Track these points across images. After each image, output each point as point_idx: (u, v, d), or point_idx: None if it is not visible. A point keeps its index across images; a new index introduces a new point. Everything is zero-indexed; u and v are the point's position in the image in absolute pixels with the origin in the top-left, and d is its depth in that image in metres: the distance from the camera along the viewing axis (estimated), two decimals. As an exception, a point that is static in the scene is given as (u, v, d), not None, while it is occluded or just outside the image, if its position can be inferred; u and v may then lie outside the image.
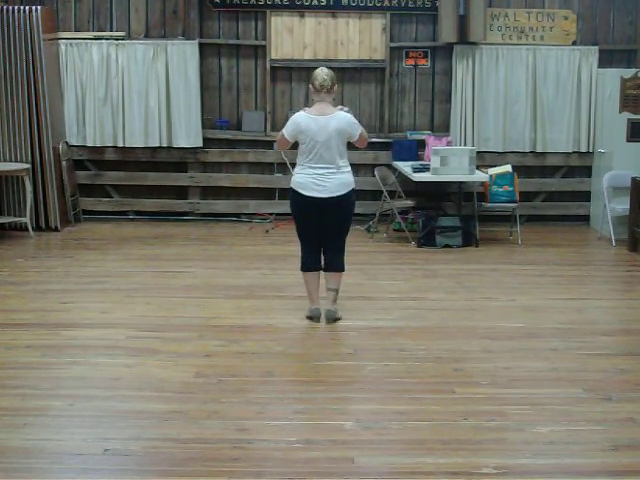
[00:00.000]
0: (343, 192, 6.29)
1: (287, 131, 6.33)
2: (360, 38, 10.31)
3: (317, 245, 6.43)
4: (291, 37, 10.29)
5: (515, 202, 9.59)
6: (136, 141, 10.21)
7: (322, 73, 6.26)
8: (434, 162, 9.03)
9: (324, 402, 4.90)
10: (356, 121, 6.38)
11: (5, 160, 9.60)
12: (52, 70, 9.80)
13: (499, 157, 10.30)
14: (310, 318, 6.45)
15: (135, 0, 10.22)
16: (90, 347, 5.86)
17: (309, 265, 6.45)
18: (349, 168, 6.38)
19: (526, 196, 10.25)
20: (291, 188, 6.39)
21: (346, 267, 6.51)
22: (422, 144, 10.15)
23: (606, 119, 9.99)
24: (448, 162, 9.01)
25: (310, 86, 6.34)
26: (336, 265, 6.46)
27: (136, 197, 10.51)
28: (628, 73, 9.73)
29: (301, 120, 6.28)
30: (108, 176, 10.46)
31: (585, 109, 10.27)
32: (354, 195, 6.42)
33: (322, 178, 6.24)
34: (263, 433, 4.47)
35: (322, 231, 6.37)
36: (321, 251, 6.45)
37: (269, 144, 10.32)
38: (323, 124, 6.21)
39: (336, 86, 6.36)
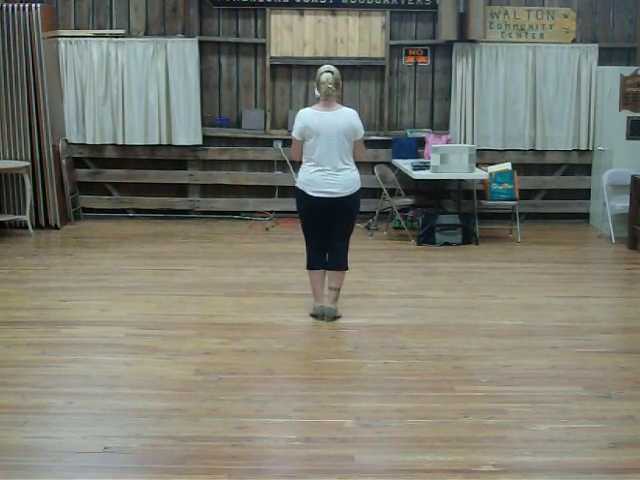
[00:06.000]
0: (352, 189, 6.29)
1: (294, 131, 6.30)
2: (360, 36, 10.30)
3: (323, 243, 6.43)
4: (291, 35, 10.29)
5: (515, 200, 9.58)
6: (136, 139, 10.20)
7: (326, 82, 6.18)
8: (434, 160, 9.03)
9: (324, 400, 4.90)
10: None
11: (5, 158, 9.59)
12: (52, 68, 9.79)
13: (499, 155, 10.30)
14: (314, 316, 6.45)
15: (135, -2, 10.23)
16: (90, 345, 5.86)
17: (315, 264, 6.45)
18: (355, 167, 6.39)
19: (526, 194, 10.24)
20: (297, 188, 6.38)
21: (349, 265, 6.53)
22: (422, 142, 10.16)
23: (606, 117, 9.99)
24: (448, 160, 9.01)
25: (315, 85, 6.33)
26: (340, 264, 6.46)
27: (136, 195, 10.51)
28: (628, 71, 9.73)
29: (306, 115, 6.28)
30: (108, 174, 10.45)
31: (585, 107, 10.26)
32: (360, 194, 6.43)
33: (331, 176, 6.23)
34: (263, 431, 4.47)
35: (328, 230, 6.36)
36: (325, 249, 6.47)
37: (269, 142, 10.32)
38: (329, 119, 6.21)
39: (341, 83, 6.35)
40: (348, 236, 6.49)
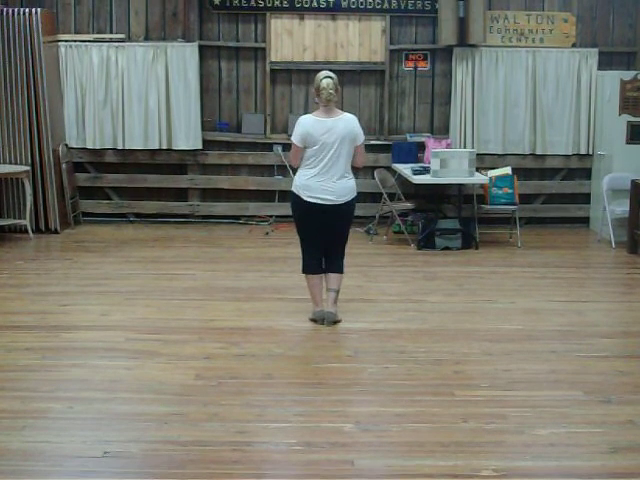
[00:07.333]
0: (349, 198, 6.30)
1: (295, 137, 6.28)
2: (360, 40, 10.31)
3: (320, 248, 6.42)
4: (291, 39, 10.30)
5: (515, 204, 9.58)
6: (136, 143, 10.21)
7: (327, 88, 6.16)
8: (434, 164, 9.03)
9: (324, 404, 4.90)
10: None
11: (5, 162, 9.60)
12: (52, 72, 9.80)
13: (499, 159, 10.30)
14: (314, 321, 6.45)
15: (135, 2, 10.22)
16: (90, 349, 5.86)
17: (313, 268, 6.45)
18: (352, 176, 6.39)
19: (526, 198, 10.25)
20: (292, 192, 6.38)
21: (345, 269, 6.54)
22: (422, 146, 10.15)
23: (606, 121, 9.99)
24: (448, 164, 9.02)
25: (314, 91, 6.31)
26: (337, 267, 6.47)
27: (136, 199, 10.51)
28: (628, 75, 9.74)
29: (307, 121, 6.25)
30: (108, 178, 10.46)
31: (585, 111, 10.27)
32: (355, 202, 6.45)
33: (327, 183, 6.22)
34: (263, 435, 4.47)
35: (324, 234, 6.36)
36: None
37: (269, 146, 10.33)
38: (330, 126, 6.19)
39: (339, 88, 6.35)
40: (346, 240, 6.50)
